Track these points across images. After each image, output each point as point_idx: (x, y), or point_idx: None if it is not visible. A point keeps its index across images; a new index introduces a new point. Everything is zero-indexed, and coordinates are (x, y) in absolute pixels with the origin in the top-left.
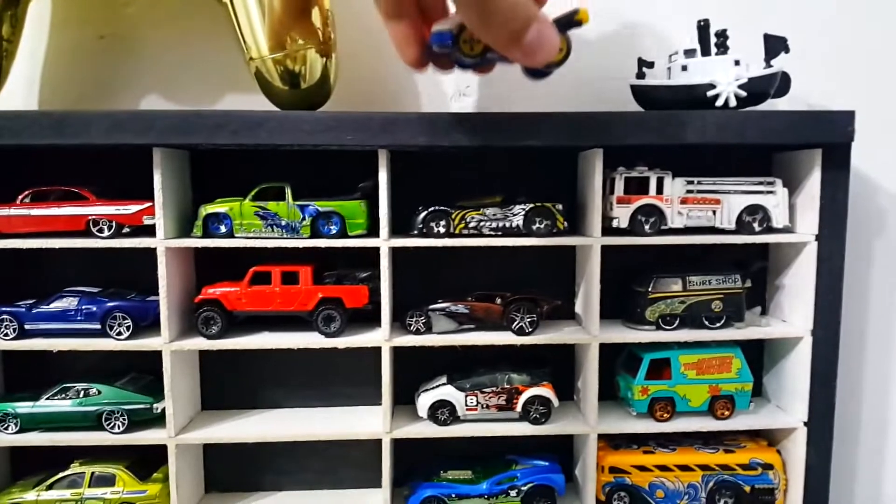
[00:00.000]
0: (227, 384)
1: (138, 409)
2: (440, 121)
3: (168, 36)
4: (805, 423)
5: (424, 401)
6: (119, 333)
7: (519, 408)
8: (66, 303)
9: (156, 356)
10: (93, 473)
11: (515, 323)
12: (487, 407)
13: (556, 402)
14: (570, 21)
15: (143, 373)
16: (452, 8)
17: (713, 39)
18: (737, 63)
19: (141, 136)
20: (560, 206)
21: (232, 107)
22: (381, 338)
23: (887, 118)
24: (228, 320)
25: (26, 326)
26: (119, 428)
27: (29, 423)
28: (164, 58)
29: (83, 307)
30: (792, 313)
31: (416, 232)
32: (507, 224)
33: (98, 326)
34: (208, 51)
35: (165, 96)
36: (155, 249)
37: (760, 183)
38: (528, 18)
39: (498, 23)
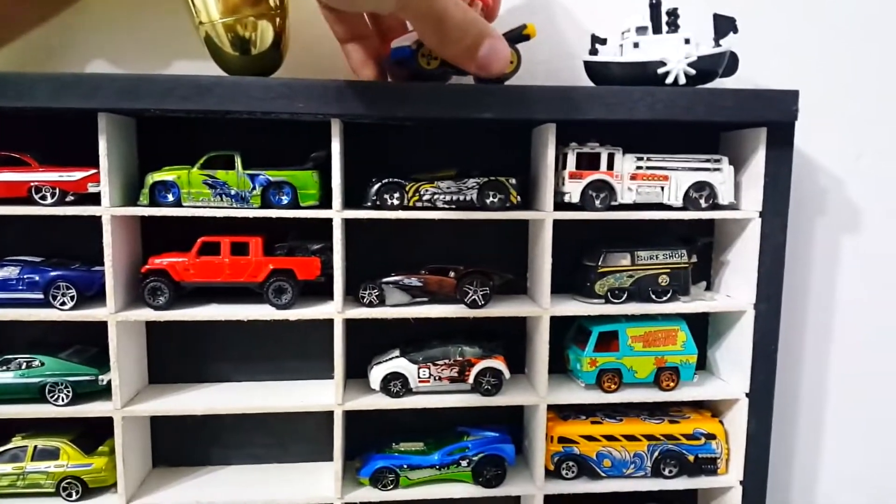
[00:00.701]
0: (174, 357)
1: (83, 380)
2: (395, 91)
3: None
4: (747, 395)
5: (377, 373)
6: (63, 304)
7: (471, 380)
8: (7, 272)
9: (101, 327)
10: (36, 447)
11: (468, 296)
12: (440, 379)
13: (507, 374)
14: (518, 36)
15: (88, 345)
16: (410, 26)
17: (664, 18)
18: (687, 42)
19: (86, 101)
20: (513, 181)
21: (181, 73)
22: (333, 310)
23: (830, 100)
24: (176, 291)
25: None
26: (63, 400)
27: None
28: (111, 20)
29: (25, 276)
30: (735, 288)
31: (369, 204)
32: (461, 197)
33: (41, 296)
34: (156, 14)
35: (111, 61)
36: (100, 218)
37: (708, 160)
38: (480, 34)
39: (453, 39)
